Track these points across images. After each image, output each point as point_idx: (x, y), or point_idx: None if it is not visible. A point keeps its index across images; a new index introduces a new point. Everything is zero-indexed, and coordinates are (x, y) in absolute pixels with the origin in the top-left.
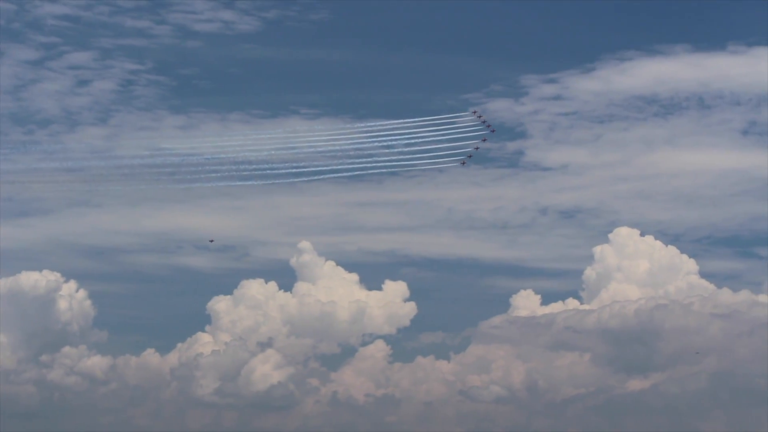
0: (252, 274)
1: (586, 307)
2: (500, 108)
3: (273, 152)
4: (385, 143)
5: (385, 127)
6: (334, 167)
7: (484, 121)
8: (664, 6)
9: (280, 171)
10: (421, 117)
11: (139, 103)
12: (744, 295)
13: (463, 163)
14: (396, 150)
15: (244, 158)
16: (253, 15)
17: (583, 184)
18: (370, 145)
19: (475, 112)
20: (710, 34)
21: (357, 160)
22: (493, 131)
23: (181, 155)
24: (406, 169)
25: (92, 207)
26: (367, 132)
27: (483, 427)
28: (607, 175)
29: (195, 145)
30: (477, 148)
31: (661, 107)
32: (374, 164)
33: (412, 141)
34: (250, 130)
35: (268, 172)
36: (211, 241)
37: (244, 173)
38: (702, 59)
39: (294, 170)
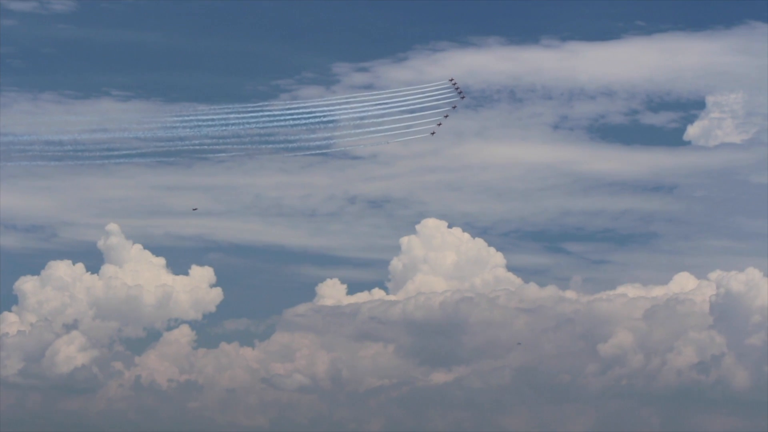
0: (59, 255)
1: (392, 297)
2: (311, 95)
3: (83, 133)
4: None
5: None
6: (144, 150)
7: (457, 88)
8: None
9: (90, 152)
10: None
11: None
12: (551, 290)
13: (433, 133)
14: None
15: (54, 138)
16: None
17: (392, 173)
18: (181, 128)
19: (451, 80)
20: (523, 27)
21: (167, 143)
22: (463, 98)
23: None
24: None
25: None
26: (178, 115)
27: (285, 415)
28: (416, 166)
29: (5, 124)
30: (446, 116)
31: (473, 99)
32: (184, 147)
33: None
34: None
35: (78, 153)
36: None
37: (54, 153)
38: (514, 52)
39: (104, 152)
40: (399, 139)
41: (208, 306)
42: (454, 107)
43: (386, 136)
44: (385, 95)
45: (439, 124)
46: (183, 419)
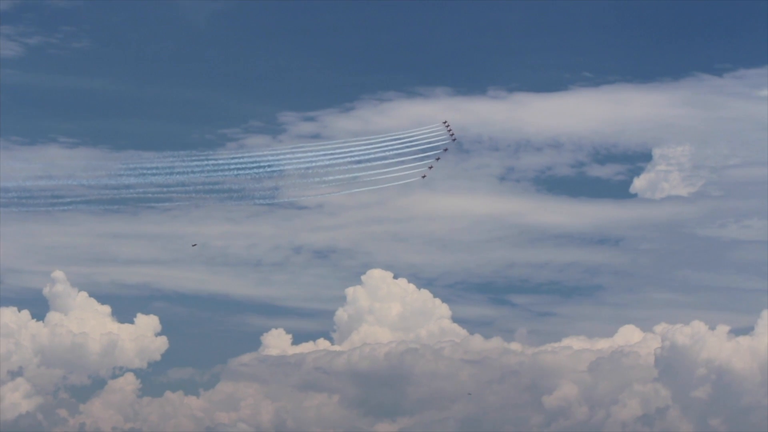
0: (5, 302)
1: (337, 348)
2: (258, 144)
3: (29, 180)
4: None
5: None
6: (90, 198)
7: (450, 131)
8: (425, 49)
9: (36, 199)
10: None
11: None
12: (496, 342)
13: (424, 177)
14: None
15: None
16: (15, 41)
17: (338, 224)
18: (127, 176)
19: (445, 122)
20: (471, 78)
21: (113, 191)
22: (454, 140)
23: None
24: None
25: None
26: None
27: None
28: (363, 216)
29: None
30: (438, 159)
31: (419, 150)
32: (130, 195)
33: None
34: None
35: (24, 200)
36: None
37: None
38: (462, 103)
39: (50, 199)
40: (388, 184)
41: (153, 354)
42: (446, 150)
43: (376, 180)
44: (370, 141)
45: (431, 167)
46: None
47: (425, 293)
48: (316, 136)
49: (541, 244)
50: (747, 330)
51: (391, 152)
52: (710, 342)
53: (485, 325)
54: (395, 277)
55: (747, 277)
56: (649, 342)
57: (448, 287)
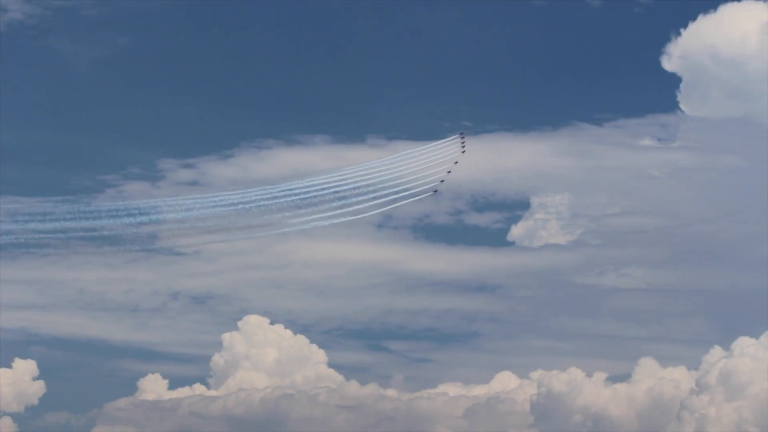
0: None
1: (213, 393)
2: (137, 191)
3: None
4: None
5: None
6: None
7: (462, 142)
8: (304, 97)
9: None
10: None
11: None
12: (372, 388)
13: (435, 191)
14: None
15: None
16: None
17: (215, 270)
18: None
19: (462, 133)
20: (350, 126)
21: None
22: (463, 152)
23: None
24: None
25: None
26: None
27: None
28: (240, 263)
29: None
30: (443, 181)
31: (297, 199)
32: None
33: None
34: None
35: None
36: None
37: None
38: (340, 151)
39: None
40: (396, 204)
41: (30, 399)
42: (456, 162)
43: (387, 202)
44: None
45: (442, 181)
46: None
47: (302, 339)
48: (195, 183)
49: (419, 291)
50: (624, 377)
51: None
52: (587, 389)
53: (361, 372)
54: (272, 323)
55: (625, 324)
56: (525, 388)
57: (325, 333)
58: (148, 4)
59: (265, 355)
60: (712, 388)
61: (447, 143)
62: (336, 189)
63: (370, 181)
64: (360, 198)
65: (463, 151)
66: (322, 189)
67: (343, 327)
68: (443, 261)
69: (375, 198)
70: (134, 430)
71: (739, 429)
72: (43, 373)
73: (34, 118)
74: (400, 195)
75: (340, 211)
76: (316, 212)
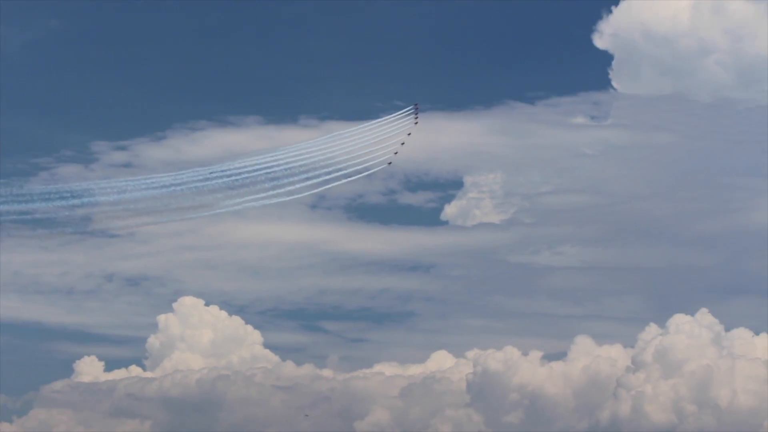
0: None
1: (149, 375)
2: (70, 173)
3: None
4: None
5: None
6: None
7: (416, 113)
8: (235, 78)
9: None
10: None
11: None
12: (308, 368)
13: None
14: None
15: None
16: None
17: (149, 252)
18: None
19: (415, 104)
20: (282, 106)
21: None
22: (416, 123)
23: None
24: None
25: None
26: None
27: None
28: (174, 244)
29: None
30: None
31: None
32: None
33: None
34: None
35: None
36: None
37: None
38: (273, 131)
39: None
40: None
41: None
42: (409, 134)
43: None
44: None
45: (396, 153)
46: None
47: (237, 320)
48: (128, 165)
49: (353, 271)
50: (560, 356)
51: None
52: (523, 367)
53: (297, 352)
54: (207, 304)
55: (560, 303)
56: (461, 367)
57: (260, 314)
58: None
59: (201, 337)
60: (648, 365)
61: (400, 116)
62: (268, 170)
63: (304, 162)
64: (293, 179)
65: (416, 122)
66: (255, 170)
67: (278, 308)
68: (377, 241)
69: (308, 179)
70: (71, 412)
71: (675, 406)
72: None
73: None
74: (333, 176)
75: (272, 192)
76: (248, 193)
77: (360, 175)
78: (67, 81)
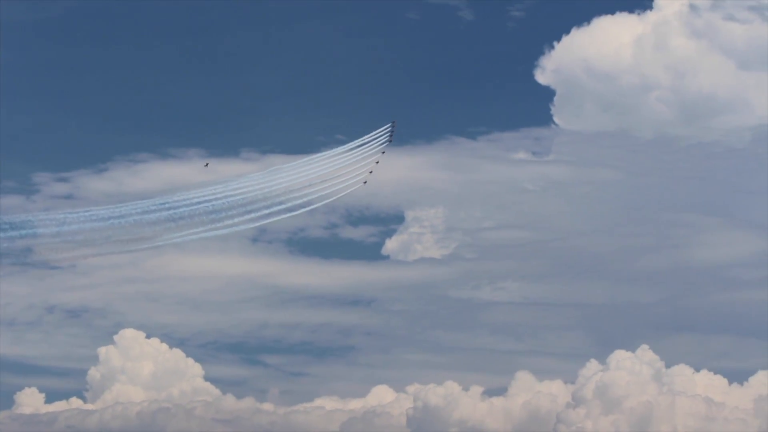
0: None
1: (89, 407)
2: (11, 205)
3: None
4: None
5: None
6: None
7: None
8: (177, 111)
9: None
10: None
11: None
12: (248, 402)
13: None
14: None
15: None
16: None
17: (90, 284)
18: None
19: (393, 122)
20: (223, 140)
21: None
22: (390, 141)
23: None
24: None
25: None
26: None
27: None
28: (115, 276)
29: None
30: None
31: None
32: None
33: None
34: None
35: None
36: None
37: None
38: (214, 165)
39: None
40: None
41: None
42: (383, 153)
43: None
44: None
45: (370, 172)
46: None
47: (177, 353)
48: (69, 197)
49: (294, 304)
50: (500, 391)
51: None
52: (463, 402)
53: (238, 385)
54: (147, 336)
55: (501, 338)
56: (401, 402)
57: (201, 347)
58: (23, 17)
59: (141, 369)
60: (589, 401)
61: (374, 136)
62: (209, 203)
63: (245, 195)
64: (233, 212)
65: (390, 141)
66: (196, 203)
67: (219, 341)
68: (318, 275)
69: (248, 212)
70: None
71: None
72: None
73: None
74: (275, 210)
75: (212, 225)
76: (189, 226)
77: (310, 207)
78: (9, 111)
